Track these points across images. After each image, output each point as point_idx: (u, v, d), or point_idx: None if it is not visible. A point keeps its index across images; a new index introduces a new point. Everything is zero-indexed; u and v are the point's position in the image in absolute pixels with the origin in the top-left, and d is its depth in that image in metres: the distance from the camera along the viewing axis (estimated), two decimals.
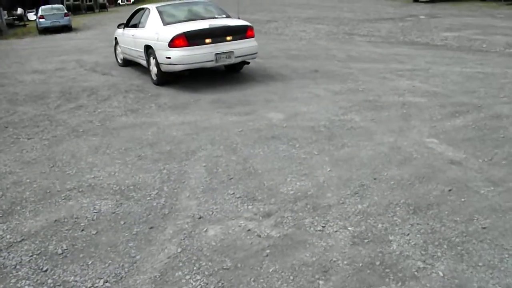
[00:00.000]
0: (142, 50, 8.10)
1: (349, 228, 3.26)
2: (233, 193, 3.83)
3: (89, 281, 2.83)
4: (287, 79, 8.17)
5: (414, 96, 6.61)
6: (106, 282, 2.81)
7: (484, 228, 3.21)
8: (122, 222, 3.46)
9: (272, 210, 3.54)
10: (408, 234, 3.16)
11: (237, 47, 7.53)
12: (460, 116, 5.64)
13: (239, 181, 4.04)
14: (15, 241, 3.31)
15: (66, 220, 3.55)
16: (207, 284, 2.74)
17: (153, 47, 7.54)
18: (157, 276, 2.83)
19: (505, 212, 3.39)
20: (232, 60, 7.54)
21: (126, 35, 9.23)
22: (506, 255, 2.90)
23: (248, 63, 8.29)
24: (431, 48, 11.28)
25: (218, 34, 7.32)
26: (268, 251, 3.03)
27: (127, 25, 9.46)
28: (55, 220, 3.55)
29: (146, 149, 4.92)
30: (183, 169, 4.35)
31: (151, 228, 3.36)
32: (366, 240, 3.11)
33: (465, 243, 3.04)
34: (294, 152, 4.64)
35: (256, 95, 7.03)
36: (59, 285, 2.82)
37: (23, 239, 3.33)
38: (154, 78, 8.00)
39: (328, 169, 4.21)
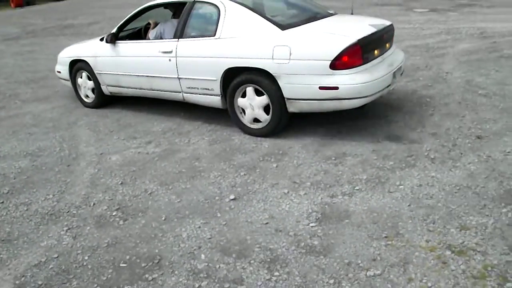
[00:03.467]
0: (214, 78, 5.12)
1: (206, 138, 5.30)
2: (118, 137, 5.65)
3: (41, 197, 4.44)
4: None
5: None
6: (54, 195, 4.45)
7: None
8: (43, 168, 5.06)
9: (151, 140, 5.45)
10: (244, 135, 5.28)
11: (399, 58, 5.29)
12: None
13: (119, 131, 5.86)
14: None
15: None
16: (124, 178, 4.56)
17: (272, 72, 4.67)
18: (89, 184, 4.57)
19: None
20: (398, 80, 5.27)
21: (133, 53, 5.99)
22: None
23: None
24: None
25: (382, 41, 4.96)
26: (157, 158, 4.94)
27: (119, 35, 6.32)
28: None
29: (32, 128, 6.40)
30: (71, 133, 6.01)
31: (68, 166, 5.03)
32: (218, 142, 5.18)
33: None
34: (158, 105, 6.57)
35: None
36: (20, 205, 4.37)
37: None
38: (257, 125, 5.16)
39: (182, 114, 6.21)
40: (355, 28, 4.97)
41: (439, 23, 11.09)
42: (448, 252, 3.12)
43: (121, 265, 3.30)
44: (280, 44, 4.62)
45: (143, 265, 3.27)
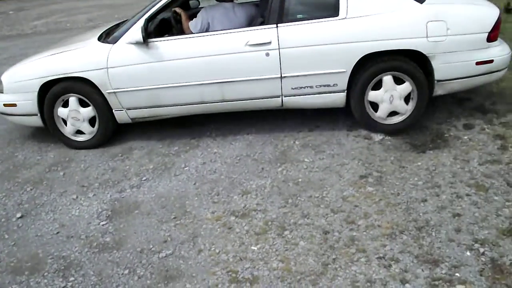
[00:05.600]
0: (342, 69, 4.21)
1: None
2: None
3: None
4: None
5: None
6: None
7: None
8: None
9: None
10: (28, 149, 5.11)
11: None
12: None
13: None
14: None
15: None
16: None
17: (426, 53, 4.11)
18: None
19: None
20: None
21: (191, 53, 4.34)
22: None
23: None
24: (23, 37, 13.12)
25: None
26: None
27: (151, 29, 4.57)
28: None
29: None
30: None
31: None
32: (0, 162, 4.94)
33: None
34: None
35: None
36: None
37: None
38: (413, 111, 4.38)
39: None
40: None
41: None
42: (232, 218, 3.42)
43: None
44: (434, 19, 4.04)
45: None
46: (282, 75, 4.23)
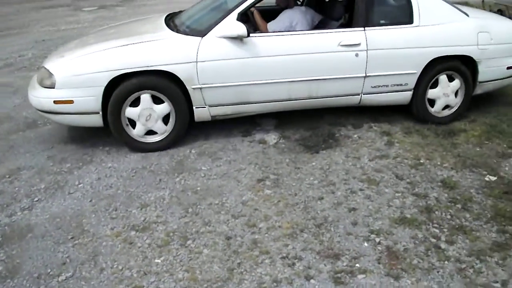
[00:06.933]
0: (414, 71, 4.71)
1: None
2: None
3: None
4: None
5: None
6: None
7: None
8: None
9: None
10: None
11: None
12: None
13: None
14: None
15: None
16: None
17: (476, 58, 4.84)
18: None
19: None
20: None
21: (286, 50, 4.41)
22: None
23: None
24: None
25: None
26: None
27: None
28: None
29: None
30: None
31: None
32: None
33: None
34: None
35: None
36: None
37: None
38: (452, 111, 5.09)
39: None
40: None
41: (108, 19, 11.38)
42: (133, 232, 3.36)
43: None
44: (482, 30, 4.80)
45: None
46: (366, 75, 4.57)
